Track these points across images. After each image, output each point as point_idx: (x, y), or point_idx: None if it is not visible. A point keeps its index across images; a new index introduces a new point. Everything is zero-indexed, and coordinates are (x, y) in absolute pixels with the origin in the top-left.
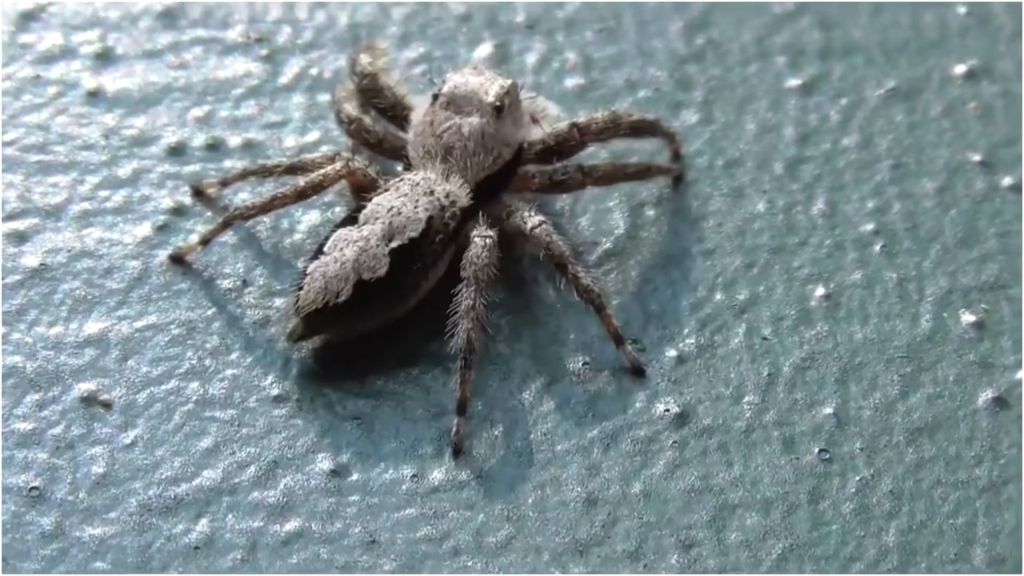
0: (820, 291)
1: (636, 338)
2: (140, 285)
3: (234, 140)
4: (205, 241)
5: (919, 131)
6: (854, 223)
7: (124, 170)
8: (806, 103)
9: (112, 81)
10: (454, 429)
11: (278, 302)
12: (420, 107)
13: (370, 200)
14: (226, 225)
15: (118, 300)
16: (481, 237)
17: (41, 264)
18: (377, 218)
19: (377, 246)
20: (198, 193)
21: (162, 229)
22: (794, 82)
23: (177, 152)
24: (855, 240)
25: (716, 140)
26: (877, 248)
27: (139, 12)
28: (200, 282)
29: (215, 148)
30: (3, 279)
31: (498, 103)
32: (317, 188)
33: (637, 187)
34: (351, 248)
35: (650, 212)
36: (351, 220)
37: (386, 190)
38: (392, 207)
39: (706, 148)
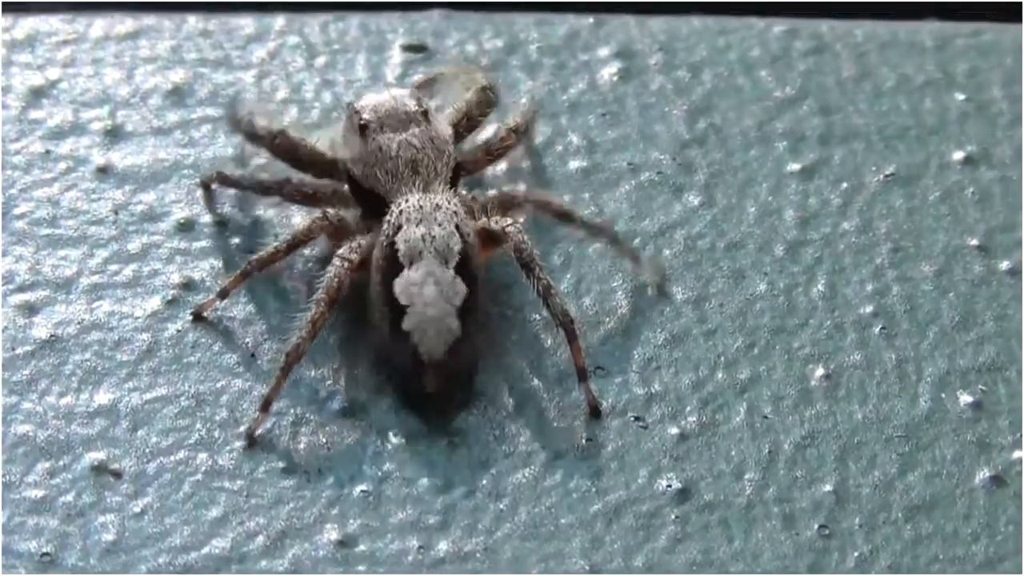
0: (820, 371)
1: (639, 415)
2: (150, 358)
3: (242, 217)
4: (224, 293)
5: (918, 215)
6: (854, 305)
7: (134, 245)
8: (807, 187)
9: (121, 157)
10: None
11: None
12: (336, 144)
13: (393, 247)
14: (244, 276)
15: (128, 372)
16: (510, 226)
17: (51, 335)
18: (420, 251)
19: (443, 274)
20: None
21: (172, 303)
22: (795, 166)
23: (186, 228)
24: (855, 322)
25: (718, 223)
26: (876, 330)
27: (148, 90)
28: (209, 355)
29: (223, 224)
30: (14, 349)
31: (423, 108)
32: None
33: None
34: (428, 288)
35: (653, 292)
36: (392, 272)
37: (398, 227)
38: (423, 235)
39: (708, 230)
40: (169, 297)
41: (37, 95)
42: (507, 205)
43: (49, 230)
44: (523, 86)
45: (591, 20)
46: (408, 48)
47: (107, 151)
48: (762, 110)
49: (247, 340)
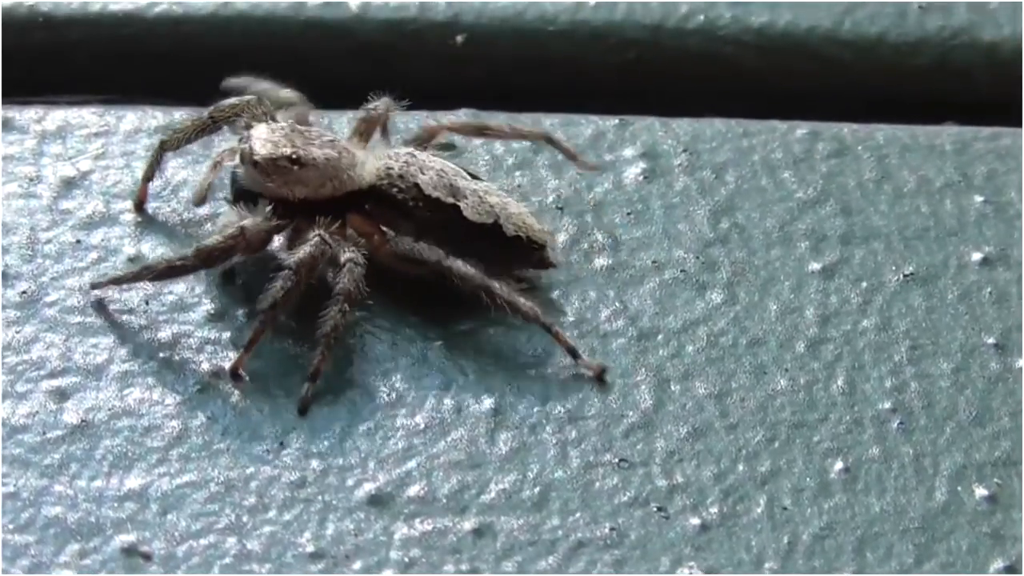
0: (839, 465)
1: (661, 505)
2: (179, 444)
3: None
4: (251, 346)
5: (936, 314)
6: (872, 401)
7: (164, 334)
8: (827, 286)
9: (152, 248)
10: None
11: (315, 463)
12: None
13: None
14: (263, 325)
15: (158, 457)
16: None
17: (82, 421)
18: (450, 184)
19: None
20: None
21: (201, 391)
22: (816, 266)
23: (216, 318)
24: (873, 417)
25: (740, 320)
26: (894, 425)
27: (179, 182)
28: (238, 443)
29: (252, 315)
30: (45, 434)
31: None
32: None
33: (664, 362)
34: (494, 196)
35: (675, 387)
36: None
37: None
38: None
39: (730, 327)
40: (199, 386)
41: (68, 186)
42: (426, 138)
43: (80, 318)
44: (549, 185)
45: (616, 121)
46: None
47: (138, 242)
48: (784, 210)
49: (276, 428)
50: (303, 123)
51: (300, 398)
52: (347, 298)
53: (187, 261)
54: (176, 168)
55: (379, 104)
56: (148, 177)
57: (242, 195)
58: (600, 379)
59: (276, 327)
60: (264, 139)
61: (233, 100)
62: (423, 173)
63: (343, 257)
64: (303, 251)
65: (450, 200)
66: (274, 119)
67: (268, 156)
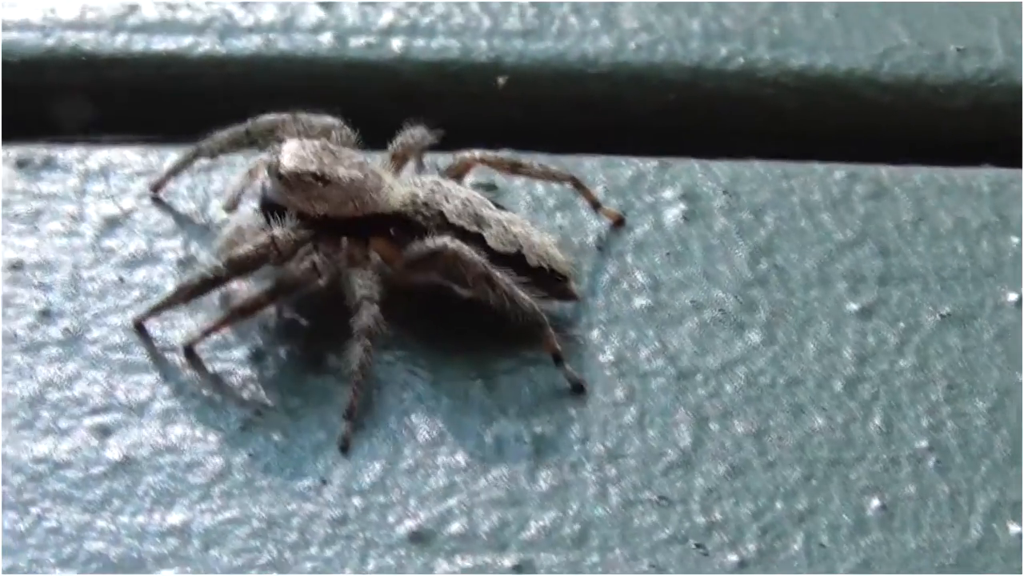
0: (876, 502)
1: (700, 543)
2: (222, 480)
3: (305, 348)
4: (207, 332)
5: (972, 354)
6: (909, 439)
7: (206, 372)
8: (864, 326)
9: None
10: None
11: (356, 500)
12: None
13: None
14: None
15: (200, 494)
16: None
17: (125, 457)
18: (475, 215)
19: (502, 214)
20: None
21: (243, 429)
22: (854, 306)
23: (258, 357)
24: (910, 455)
25: (778, 359)
26: (931, 463)
27: (221, 223)
28: (280, 479)
29: (294, 355)
30: (87, 470)
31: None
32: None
33: (703, 401)
34: (518, 227)
35: (714, 426)
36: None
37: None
38: (464, 201)
39: (769, 367)
40: (241, 423)
41: (111, 224)
42: (460, 169)
43: (123, 355)
44: (590, 226)
45: (656, 163)
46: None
47: (181, 280)
48: (823, 251)
49: (318, 466)
50: (342, 146)
51: (340, 436)
52: (368, 335)
53: (220, 273)
54: (219, 208)
55: (413, 133)
56: (174, 172)
57: (269, 206)
58: (578, 390)
59: (319, 367)
60: (293, 153)
61: (271, 117)
62: (448, 201)
63: (357, 293)
64: (291, 269)
65: (474, 228)
66: (309, 137)
67: (293, 170)
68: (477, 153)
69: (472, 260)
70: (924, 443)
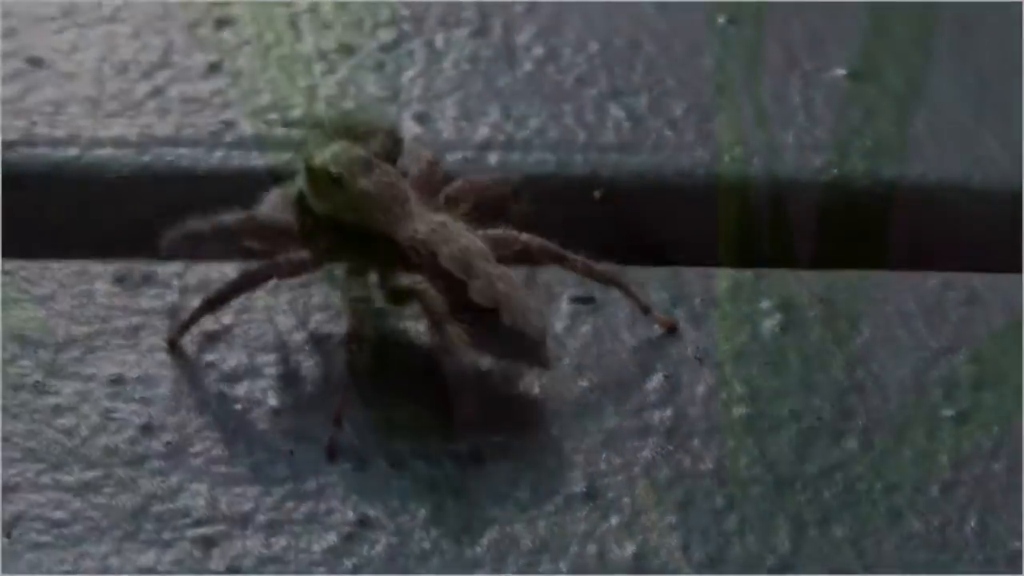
0: None
1: None
2: None
3: (410, 455)
4: (184, 327)
5: None
6: (1004, 541)
7: (310, 484)
8: (959, 431)
9: (294, 400)
10: None
11: None
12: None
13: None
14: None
15: None
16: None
17: (228, 568)
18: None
19: (491, 266)
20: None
21: (348, 539)
22: (949, 412)
23: (361, 468)
24: (1005, 556)
25: (876, 465)
26: None
27: (323, 336)
28: None
29: (397, 465)
30: None
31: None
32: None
33: (802, 507)
34: (500, 284)
35: (813, 531)
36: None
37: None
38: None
39: (866, 473)
40: (345, 533)
41: (212, 339)
42: (502, 246)
43: (226, 468)
44: (689, 337)
45: (751, 274)
46: (576, 300)
47: (282, 394)
48: (918, 359)
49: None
50: (430, 175)
51: (326, 445)
52: (351, 338)
53: (263, 270)
54: (319, 322)
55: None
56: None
57: (300, 196)
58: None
59: (419, 476)
60: (330, 151)
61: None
62: (446, 245)
63: (349, 296)
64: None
65: (460, 276)
66: (369, 146)
67: (316, 167)
68: (524, 237)
69: (432, 305)
70: (1018, 544)
